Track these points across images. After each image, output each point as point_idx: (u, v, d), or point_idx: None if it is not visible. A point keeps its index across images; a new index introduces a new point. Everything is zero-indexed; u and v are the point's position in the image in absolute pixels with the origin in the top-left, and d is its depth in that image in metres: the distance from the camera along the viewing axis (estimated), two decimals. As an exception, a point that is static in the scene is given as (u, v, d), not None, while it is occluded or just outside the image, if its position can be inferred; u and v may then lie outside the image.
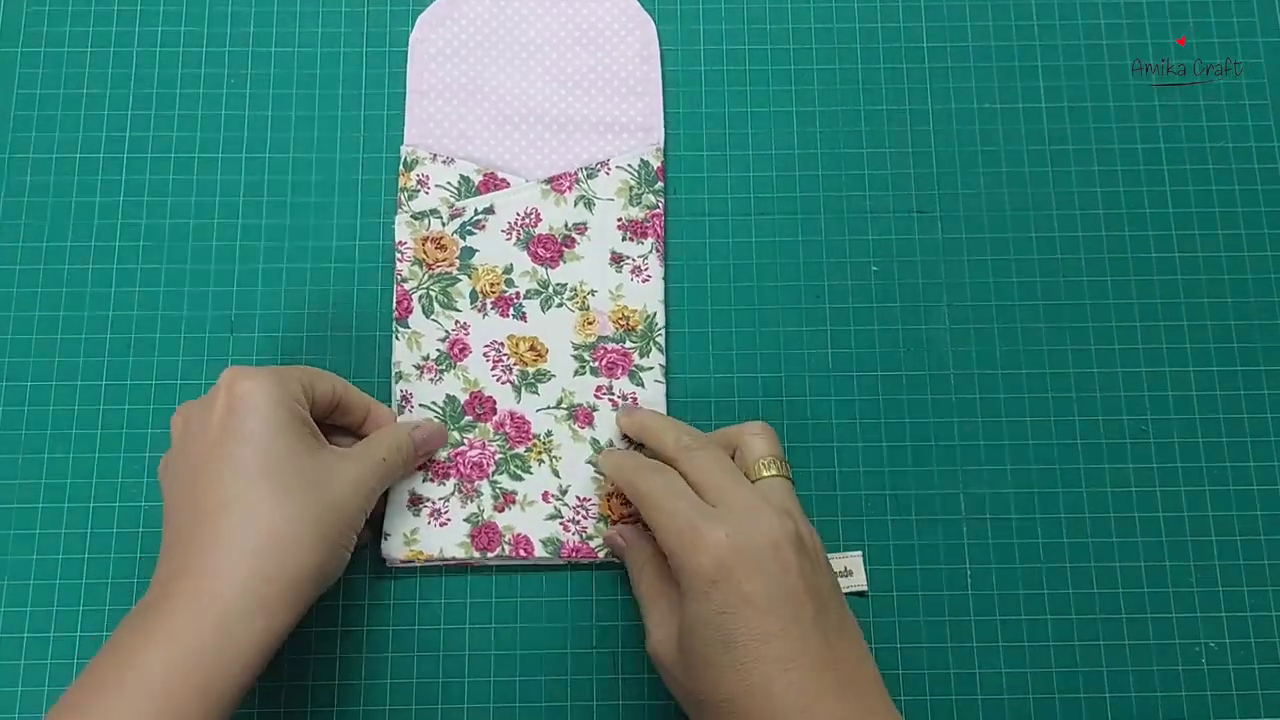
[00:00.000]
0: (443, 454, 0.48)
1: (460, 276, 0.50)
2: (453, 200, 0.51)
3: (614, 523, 0.47)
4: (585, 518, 0.48)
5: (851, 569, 0.47)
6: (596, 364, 0.50)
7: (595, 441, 0.49)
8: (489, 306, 0.50)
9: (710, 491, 0.40)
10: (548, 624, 0.47)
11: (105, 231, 0.51)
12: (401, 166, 0.51)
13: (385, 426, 0.46)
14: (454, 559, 0.47)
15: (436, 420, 0.48)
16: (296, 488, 0.39)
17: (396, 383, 0.49)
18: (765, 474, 0.42)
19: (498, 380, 0.49)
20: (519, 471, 0.48)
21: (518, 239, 0.51)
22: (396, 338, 0.49)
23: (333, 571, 0.40)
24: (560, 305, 0.50)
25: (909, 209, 0.52)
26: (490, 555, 0.47)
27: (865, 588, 0.48)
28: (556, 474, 0.48)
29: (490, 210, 0.51)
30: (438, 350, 0.49)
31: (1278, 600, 0.48)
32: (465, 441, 0.48)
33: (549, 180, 0.51)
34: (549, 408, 0.49)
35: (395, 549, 0.47)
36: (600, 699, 0.47)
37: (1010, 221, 0.52)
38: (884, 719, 0.37)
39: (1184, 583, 0.48)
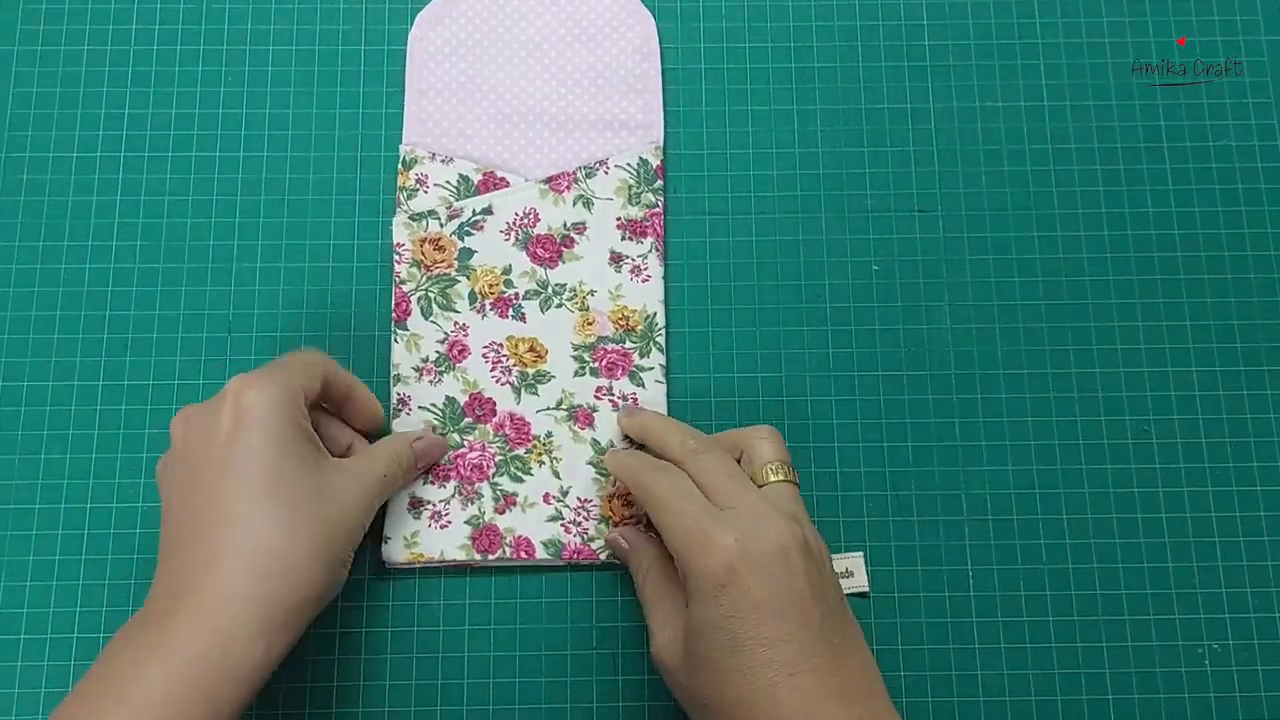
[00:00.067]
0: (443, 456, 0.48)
1: (459, 278, 0.50)
2: (451, 199, 0.51)
3: (616, 524, 0.47)
4: (586, 519, 0.48)
5: (853, 570, 0.47)
6: (596, 364, 0.49)
7: (596, 442, 0.48)
8: (488, 307, 0.50)
9: (717, 495, 0.40)
10: (547, 625, 0.47)
11: (102, 231, 0.51)
12: (400, 165, 0.51)
13: (386, 438, 0.46)
14: (455, 561, 0.47)
15: (436, 429, 0.48)
16: (299, 505, 0.39)
17: (395, 385, 0.49)
18: (773, 479, 0.41)
19: (497, 381, 0.49)
20: (519, 473, 0.48)
21: (516, 239, 0.50)
22: (395, 340, 0.49)
23: (332, 588, 0.40)
24: (559, 306, 0.50)
25: (910, 208, 0.52)
26: (491, 557, 0.47)
27: (867, 589, 0.47)
28: (557, 475, 0.48)
29: (488, 211, 0.50)
30: (437, 352, 0.49)
31: (1280, 601, 0.48)
32: (465, 443, 0.48)
33: (547, 180, 0.51)
34: (549, 409, 0.49)
35: (396, 552, 0.47)
36: (600, 701, 0.46)
37: (1012, 221, 0.52)
38: (887, 723, 0.37)
39: (1187, 584, 0.48)
